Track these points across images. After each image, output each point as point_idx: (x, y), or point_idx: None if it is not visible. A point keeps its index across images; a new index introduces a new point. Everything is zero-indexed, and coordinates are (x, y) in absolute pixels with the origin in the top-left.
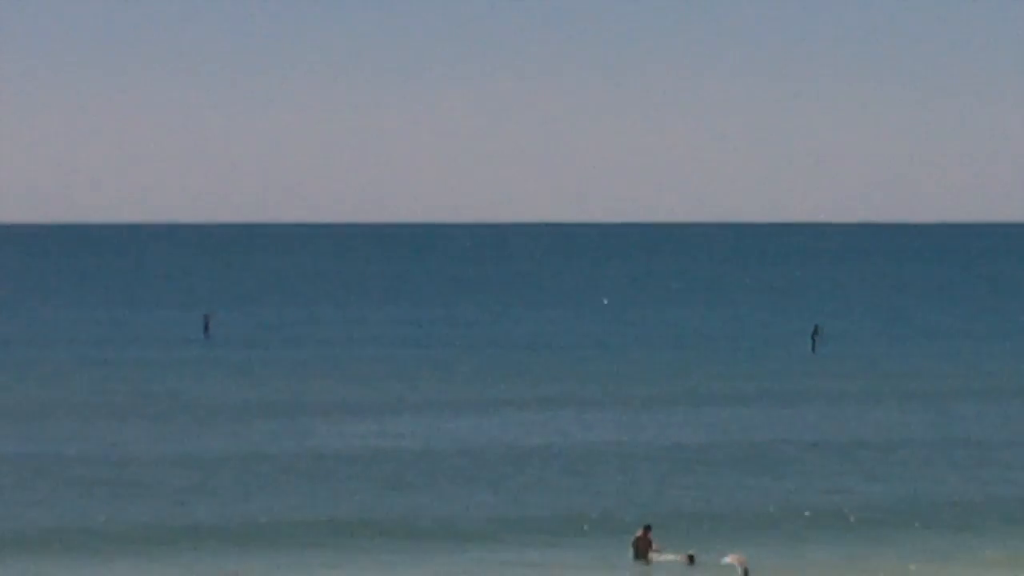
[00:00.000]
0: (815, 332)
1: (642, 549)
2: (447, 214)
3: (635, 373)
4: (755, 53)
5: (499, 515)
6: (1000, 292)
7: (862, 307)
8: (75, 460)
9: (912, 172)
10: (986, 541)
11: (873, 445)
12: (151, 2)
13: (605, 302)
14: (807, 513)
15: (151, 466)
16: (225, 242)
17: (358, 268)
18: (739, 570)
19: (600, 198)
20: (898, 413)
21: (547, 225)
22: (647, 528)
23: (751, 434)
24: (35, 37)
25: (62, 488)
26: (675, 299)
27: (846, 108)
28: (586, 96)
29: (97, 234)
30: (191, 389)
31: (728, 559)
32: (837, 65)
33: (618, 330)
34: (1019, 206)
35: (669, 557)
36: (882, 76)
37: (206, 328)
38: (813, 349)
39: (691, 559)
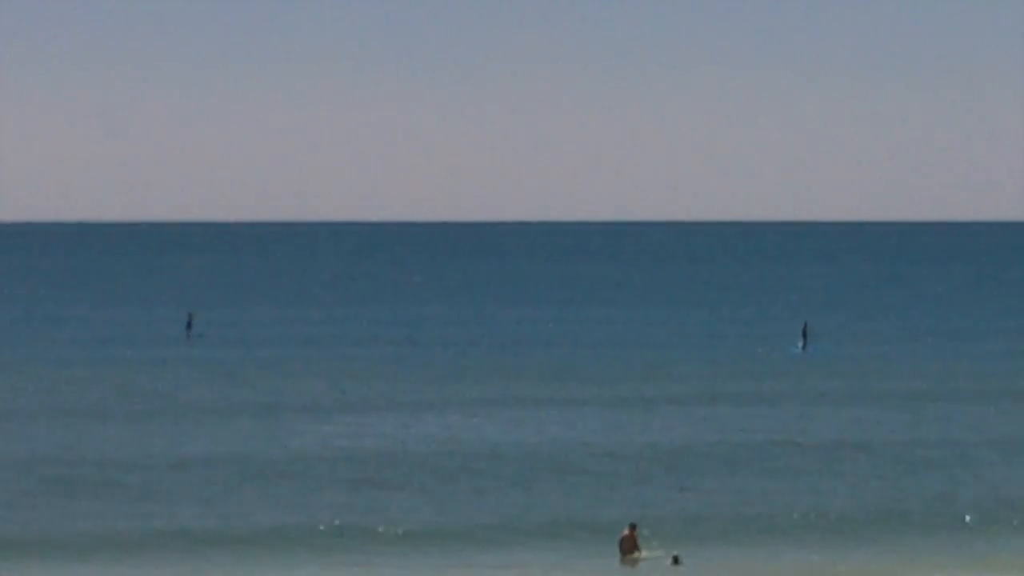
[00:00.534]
0: (804, 330)
1: (628, 548)
2: (432, 213)
3: (621, 372)
4: (744, 50)
5: (483, 516)
6: (992, 291)
7: (850, 306)
8: (52, 460)
9: (901, 170)
10: (970, 542)
11: (858, 446)
12: None
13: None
14: (795, 515)
15: (130, 467)
16: (209, 240)
17: (342, 266)
18: (671, 559)
19: (585, 197)
20: (884, 413)
21: (532, 224)
22: (633, 527)
23: (737, 434)
24: (16, 32)
25: (38, 489)
26: (661, 298)
27: (834, 106)
28: (571, 95)
29: (79, 232)
30: (173, 388)
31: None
32: (825, 62)
33: (604, 329)
34: (1012, 205)
35: (656, 554)
36: (873, 73)
37: (189, 326)
38: (804, 347)
39: (676, 560)
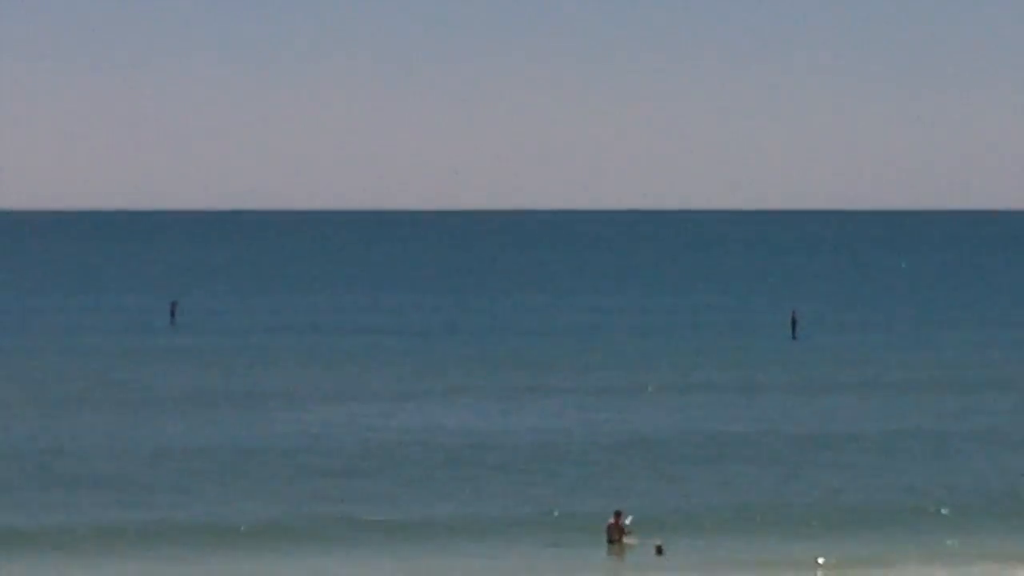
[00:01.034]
0: (793, 319)
1: (615, 535)
2: (417, 202)
3: (606, 361)
4: (738, 40)
5: (467, 505)
6: (984, 281)
7: (837, 295)
8: (30, 450)
9: (892, 160)
10: (952, 533)
11: (844, 436)
12: None
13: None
14: (780, 505)
15: (109, 456)
16: (193, 228)
17: (328, 255)
18: (654, 549)
19: (568, 186)
20: (871, 402)
21: (515, 213)
22: (618, 514)
23: (723, 424)
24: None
25: (16, 479)
26: (645, 286)
27: (826, 95)
28: (566, 85)
29: (60, 220)
30: (154, 377)
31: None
32: (818, 52)
33: (588, 317)
34: (999, 194)
35: (641, 541)
36: (866, 63)
37: (172, 315)
38: (793, 335)
39: (659, 550)
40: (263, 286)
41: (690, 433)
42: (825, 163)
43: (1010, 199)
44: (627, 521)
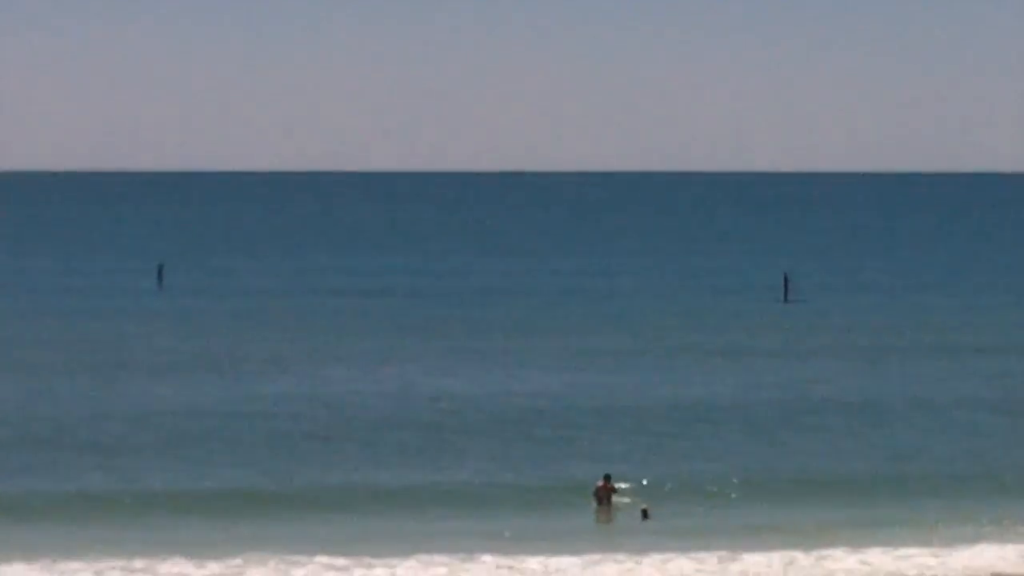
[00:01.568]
0: (785, 281)
1: (603, 498)
2: (409, 164)
3: (593, 324)
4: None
5: (451, 472)
6: (981, 244)
7: (831, 258)
8: (11, 415)
9: (884, 122)
10: (942, 500)
11: (834, 402)
12: None
13: None
14: (768, 472)
15: (91, 421)
16: (182, 190)
17: (315, 218)
18: (640, 513)
19: (558, 147)
20: (863, 368)
21: (509, 175)
22: (607, 477)
23: (712, 389)
24: None
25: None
26: (635, 248)
27: (820, 54)
28: (552, 43)
29: (46, 181)
30: (141, 339)
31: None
32: (812, 13)
33: (578, 281)
34: (996, 156)
35: (626, 500)
36: (859, 24)
37: (160, 277)
38: (785, 298)
39: (645, 513)
40: (251, 248)
41: (676, 398)
42: (818, 125)
43: (1007, 161)
44: (622, 486)
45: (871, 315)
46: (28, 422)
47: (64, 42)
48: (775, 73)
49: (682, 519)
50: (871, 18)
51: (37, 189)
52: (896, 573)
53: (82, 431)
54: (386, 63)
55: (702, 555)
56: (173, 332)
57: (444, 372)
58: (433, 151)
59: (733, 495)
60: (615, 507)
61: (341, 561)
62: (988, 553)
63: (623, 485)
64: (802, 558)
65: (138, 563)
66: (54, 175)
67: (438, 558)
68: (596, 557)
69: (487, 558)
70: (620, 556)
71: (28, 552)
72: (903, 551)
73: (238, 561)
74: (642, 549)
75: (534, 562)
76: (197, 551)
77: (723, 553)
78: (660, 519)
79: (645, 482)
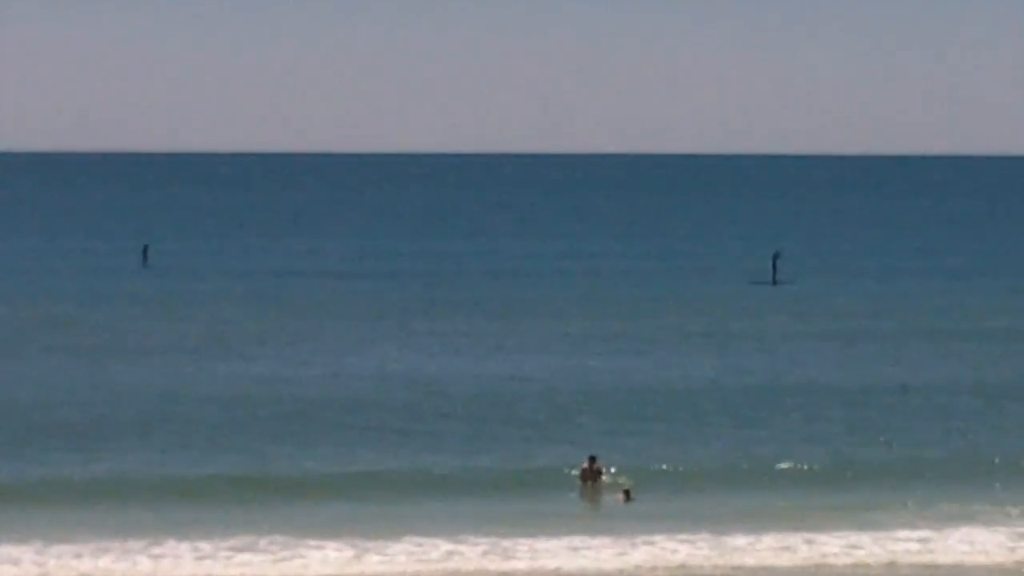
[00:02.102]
0: (775, 259)
1: (589, 479)
2: (397, 145)
3: (579, 307)
4: None
5: (428, 453)
6: (971, 227)
7: (822, 240)
8: None
9: (876, 103)
10: (936, 489)
11: (822, 387)
12: None
13: None
14: (753, 458)
15: (70, 404)
16: (169, 171)
17: (301, 199)
18: (622, 494)
19: (547, 129)
20: (854, 352)
21: (495, 156)
22: (592, 459)
23: (698, 373)
24: None
25: None
26: (621, 230)
27: (809, 33)
28: (537, 26)
29: (29, 161)
30: (124, 321)
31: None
32: None
33: (564, 263)
34: (997, 139)
35: (608, 481)
36: (852, 6)
37: (145, 258)
38: (774, 279)
39: (627, 495)
40: (238, 230)
41: (660, 381)
42: (806, 107)
43: (999, 144)
44: (609, 470)
45: (859, 298)
46: (7, 404)
47: (45, 21)
48: (765, 54)
49: (667, 502)
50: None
51: (22, 170)
52: (884, 556)
53: (63, 413)
54: (365, 44)
55: (690, 537)
56: (156, 313)
57: (427, 355)
58: (414, 133)
59: (719, 479)
60: (599, 488)
61: (332, 543)
62: (977, 536)
63: (611, 469)
64: (793, 541)
65: (132, 544)
66: (39, 155)
67: (429, 540)
68: (585, 540)
69: (479, 540)
70: (607, 539)
71: (16, 536)
72: (892, 534)
73: (229, 543)
74: (630, 532)
75: (524, 545)
76: (187, 533)
77: (712, 536)
78: (645, 502)
79: (627, 466)
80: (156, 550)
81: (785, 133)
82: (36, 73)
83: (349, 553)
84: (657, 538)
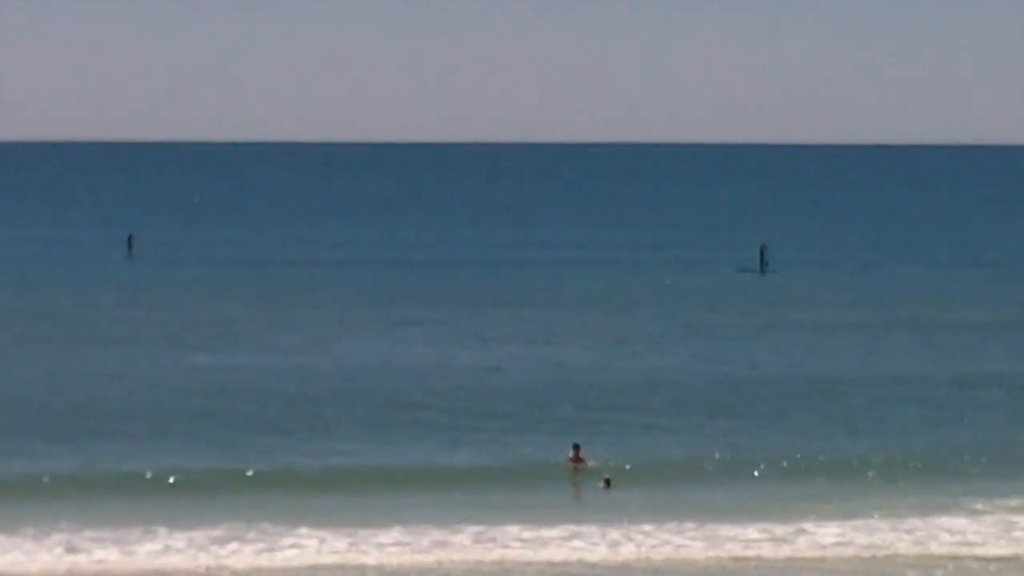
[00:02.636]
0: (762, 253)
1: (573, 468)
2: (382, 134)
3: (563, 298)
4: None
5: (411, 446)
6: (960, 217)
7: (810, 230)
8: None
9: (868, 91)
10: (921, 483)
11: (808, 379)
12: None
13: None
14: (720, 457)
15: (51, 395)
16: (152, 160)
17: (287, 188)
18: (603, 483)
19: (535, 118)
20: (839, 343)
21: (481, 145)
22: (576, 447)
23: (685, 364)
24: None
25: None
26: (606, 220)
27: (799, 24)
28: (526, 15)
29: (13, 150)
30: (109, 311)
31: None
32: None
33: (550, 253)
34: (988, 128)
35: (589, 470)
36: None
37: (130, 247)
38: (762, 271)
39: (608, 483)
40: (223, 219)
41: (644, 371)
42: (794, 96)
43: (991, 133)
44: (591, 462)
45: (846, 289)
46: None
47: (35, 10)
48: (754, 43)
49: (649, 491)
50: None
51: (6, 159)
52: (872, 546)
53: (47, 403)
54: (352, 32)
55: (677, 526)
56: (141, 303)
57: (410, 345)
58: (400, 122)
59: (703, 470)
60: (580, 476)
61: (323, 532)
62: (960, 525)
63: (592, 462)
64: (781, 531)
65: (124, 534)
66: (20, 145)
67: (420, 529)
68: (572, 529)
69: (471, 529)
70: (594, 528)
71: (5, 527)
72: (875, 524)
73: (219, 532)
74: (617, 521)
75: (512, 534)
76: (178, 523)
77: (699, 526)
78: (623, 498)
79: (610, 455)
80: (148, 539)
81: (774, 122)
82: (20, 62)
83: (340, 543)
84: (647, 527)
